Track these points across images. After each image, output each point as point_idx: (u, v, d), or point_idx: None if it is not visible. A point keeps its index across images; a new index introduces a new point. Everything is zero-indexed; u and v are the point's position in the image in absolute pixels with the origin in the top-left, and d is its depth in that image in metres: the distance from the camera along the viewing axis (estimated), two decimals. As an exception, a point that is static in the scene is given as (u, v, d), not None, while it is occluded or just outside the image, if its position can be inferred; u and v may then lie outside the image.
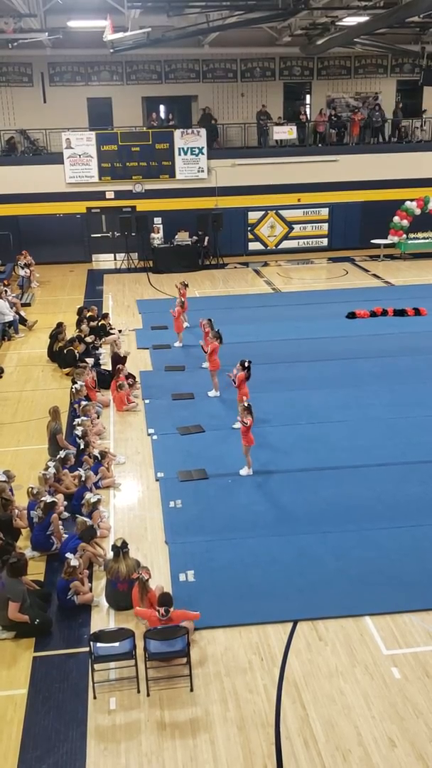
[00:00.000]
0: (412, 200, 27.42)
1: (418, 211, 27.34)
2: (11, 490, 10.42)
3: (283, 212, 29.00)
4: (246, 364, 12.79)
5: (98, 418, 13.63)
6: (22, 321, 19.98)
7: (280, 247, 29.37)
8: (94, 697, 7.31)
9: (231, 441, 12.32)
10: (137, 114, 29.84)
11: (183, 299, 18.25)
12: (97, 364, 16.25)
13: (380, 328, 19.04)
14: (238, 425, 11.60)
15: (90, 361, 16.02)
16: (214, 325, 15.27)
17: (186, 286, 19.50)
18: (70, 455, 11.43)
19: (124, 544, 8.69)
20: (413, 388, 14.91)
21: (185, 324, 18.26)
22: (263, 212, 28.85)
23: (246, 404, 11.38)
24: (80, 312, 19.05)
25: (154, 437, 13.03)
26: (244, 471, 11.52)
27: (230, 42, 27.84)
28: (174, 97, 30.36)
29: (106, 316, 19.35)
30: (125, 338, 18.46)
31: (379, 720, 6.95)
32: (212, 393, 14.72)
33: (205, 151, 27.81)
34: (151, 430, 13.28)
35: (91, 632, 7.75)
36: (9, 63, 28.35)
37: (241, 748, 6.70)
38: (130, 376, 15.07)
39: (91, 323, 18.23)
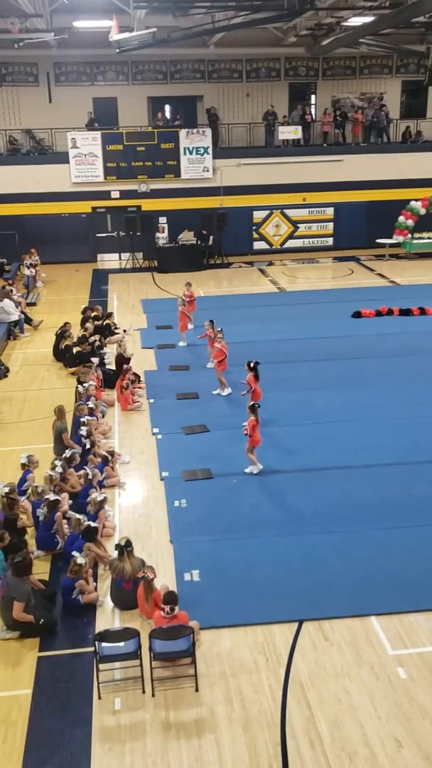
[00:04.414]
0: (417, 200, 27.39)
1: (423, 211, 27.33)
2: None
3: (288, 212, 29.01)
4: (252, 365, 12.73)
5: (103, 417, 13.63)
6: (28, 320, 20.02)
7: (285, 246, 29.38)
8: (99, 698, 7.29)
9: (236, 441, 12.25)
10: (143, 114, 29.86)
11: (184, 298, 18.21)
12: (102, 364, 16.25)
13: (386, 327, 19.00)
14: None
15: (95, 360, 16.02)
16: (215, 326, 15.26)
17: (190, 285, 19.47)
18: (75, 454, 11.42)
19: (128, 542, 8.66)
20: (419, 387, 14.86)
21: (190, 325, 18.23)
22: (268, 212, 28.87)
23: (250, 404, 11.35)
24: (85, 311, 19.10)
25: (159, 437, 13.01)
26: (249, 470, 11.48)
27: (235, 42, 27.81)
28: (179, 97, 30.39)
29: (110, 315, 19.37)
30: (130, 338, 18.45)
31: (385, 720, 6.91)
32: (217, 391, 14.69)
33: (210, 150, 27.81)
34: (155, 430, 13.27)
35: (96, 632, 7.73)
36: (15, 63, 28.41)
37: (247, 748, 6.67)
38: (134, 375, 15.06)
39: (96, 322, 18.24)
